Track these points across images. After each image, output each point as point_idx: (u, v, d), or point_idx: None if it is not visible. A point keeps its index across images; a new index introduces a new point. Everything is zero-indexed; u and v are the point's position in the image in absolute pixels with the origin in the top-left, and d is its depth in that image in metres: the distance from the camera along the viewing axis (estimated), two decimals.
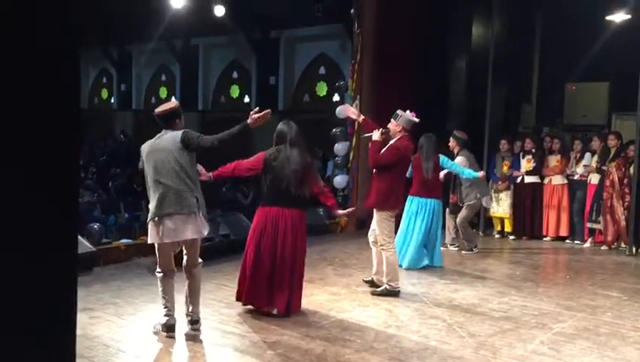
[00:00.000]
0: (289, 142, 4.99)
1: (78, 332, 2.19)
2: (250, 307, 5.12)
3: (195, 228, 4.36)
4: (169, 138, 4.40)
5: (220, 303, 5.37)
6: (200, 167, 4.62)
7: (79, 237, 5.86)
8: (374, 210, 5.85)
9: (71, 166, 2.03)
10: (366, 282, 6.13)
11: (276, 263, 4.95)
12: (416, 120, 5.89)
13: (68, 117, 1.98)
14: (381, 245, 5.82)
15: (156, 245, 4.46)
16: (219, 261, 6.80)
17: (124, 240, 7.44)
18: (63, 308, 1.99)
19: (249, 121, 4.42)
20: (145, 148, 4.47)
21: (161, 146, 4.38)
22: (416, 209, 7.04)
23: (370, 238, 6.06)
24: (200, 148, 4.37)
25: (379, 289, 5.85)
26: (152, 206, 4.38)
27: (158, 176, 4.33)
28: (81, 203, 8.79)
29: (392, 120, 5.88)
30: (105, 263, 6.68)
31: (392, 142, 5.83)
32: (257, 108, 4.52)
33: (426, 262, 7.12)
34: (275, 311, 4.96)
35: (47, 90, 1.92)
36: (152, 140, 4.48)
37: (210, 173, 4.89)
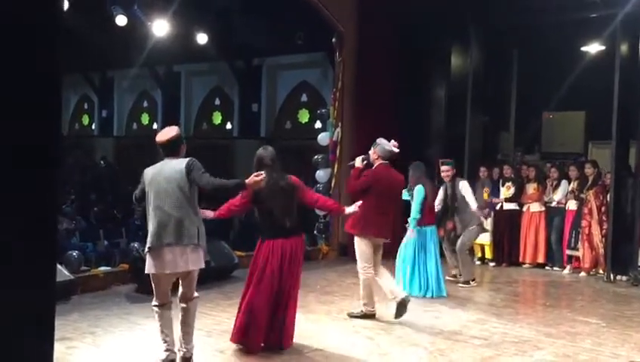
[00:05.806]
0: (267, 168, 4.85)
1: None
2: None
3: (193, 260, 4.26)
4: (174, 165, 4.32)
5: (200, 331, 5.30)
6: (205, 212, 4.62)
7: (57, 265, 5.78)
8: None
9: (50, 193, 2.03)
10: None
11: (280, 297, 4.80)
12: (395, 149, 5.87)
13: (48, 142, 1.99)
14: (361, 268, 5.84)
15: (151, 275, 4.33)
16: (199, 289, 6.72)
17: (103, 268, 7.36)
18: (39, 337, 1.96)
19: (247, 180, 4.43)
20: (148, 173, 4.36)
21: (166, 173, 4.29)
22: (426, 237, 7.08)
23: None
24: (195, 183, 4.28)
25: (356, 311, 5.95)
26: (150, 234, 4.24)
27: (161, 203, 4.22)
28: (60, 230, 8.68)
29: (372, 148, 5.94)
30: (83, 291, 6.60)
31: (372, 169, 5.89)
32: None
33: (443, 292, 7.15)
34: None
35: (29, 115, 1.92)
36: (157, 166, 4.39)
37: (212, 214, 4.86)
